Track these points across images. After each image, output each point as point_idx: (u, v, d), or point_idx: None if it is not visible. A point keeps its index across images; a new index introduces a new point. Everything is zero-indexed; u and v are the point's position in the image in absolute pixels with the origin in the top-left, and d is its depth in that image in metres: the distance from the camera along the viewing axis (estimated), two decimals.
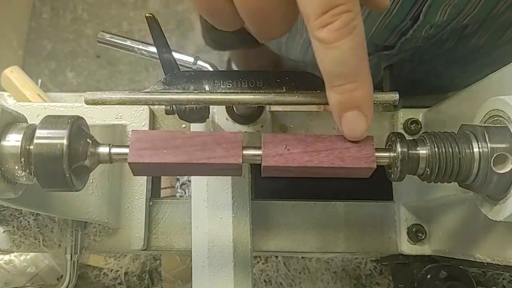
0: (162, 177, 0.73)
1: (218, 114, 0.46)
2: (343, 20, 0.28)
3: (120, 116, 0.53)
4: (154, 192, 0.56)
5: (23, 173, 0.33)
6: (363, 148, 0.34)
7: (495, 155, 0.31)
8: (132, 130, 0.34)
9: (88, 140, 0.34)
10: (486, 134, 0.32)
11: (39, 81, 0.80)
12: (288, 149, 0.34)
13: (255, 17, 0.31)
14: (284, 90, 0.36)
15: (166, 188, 0.80)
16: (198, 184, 0.49)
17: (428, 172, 0.34)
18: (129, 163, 0.33)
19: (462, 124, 0.35)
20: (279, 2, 0.30)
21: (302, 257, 0.77)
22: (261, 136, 0.34)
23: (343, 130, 0.33)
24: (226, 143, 0.34)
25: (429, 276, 0.52)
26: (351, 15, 0.29)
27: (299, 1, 0.29)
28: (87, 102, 0.35)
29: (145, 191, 0.52)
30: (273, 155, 0.34)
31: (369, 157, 0.34)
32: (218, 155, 0.33)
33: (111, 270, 0.77)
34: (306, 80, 0.36)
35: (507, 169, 0.31)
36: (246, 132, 0.46)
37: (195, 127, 0.50)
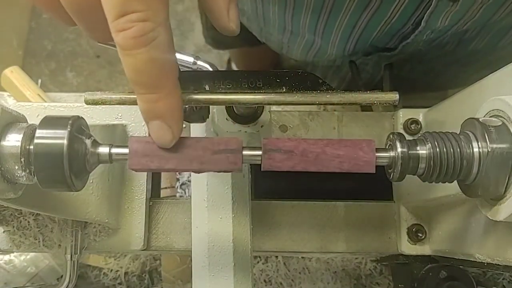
0: (162, 177, 0.73)
1: (218, 114, 0.46)
2: (138, 29, 0.27)
3: (120, 116, 0.53)
4: (154, 192, 0.56)
5: (23, 173, 0.33)
6: (363, 153, 0.34)
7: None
8: (130, 137, 0.34)
9: (88, 140, 0.34)
10: (486, 134, 0.32)
11: (39, 81, 0.80)
12: (287, 154, 0.34)
13: (76, 14, 0.30)
14: (284, 90, 0.36)
15: (166, 188, 0.80)
16: (198, 184, 0.49)
17: (428, 172, 0.34)
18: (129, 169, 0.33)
19: (468, 118, 0.35)
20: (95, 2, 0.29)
21: (302, 257, 0.77)
22: (261, 141, 0.34)
23: (151, 136, 0.33)
24: (226, 150, 0.34)
25: (429, 276, 0.52)
26: (149, 25, 0.27)
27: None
28: (87, 102, 0.35)
29: (145, 191, 0.52)
30: (272, 158, 0.33)
31: (368, 161, 0.34)
32: (218, 163, 0.33)
33: (111, 270, 0.77)
34: (306, 80, 0.36)
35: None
36: (246, 132, 0.46)
37: (195, 127, 0.50)
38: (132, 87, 0.31)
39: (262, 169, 0.34)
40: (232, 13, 0.33)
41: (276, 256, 0.77)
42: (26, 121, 0.35)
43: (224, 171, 0.34)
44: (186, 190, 0.81)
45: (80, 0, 0.29)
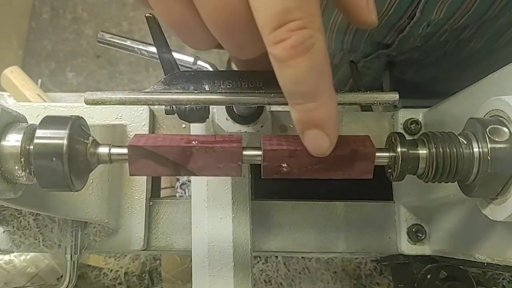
0: (162, 177, 0.73)
1: (218, 114, 0.46)
2: (298, 37, 0.26)
3: (120, 116, 0.53)
4: (154, 192, 0.56)
5: (23, 173, 0.33)
6: (362, 159, 0.34)
7: (490, 127, 0.31)
8: (135, 134, 0.34)
9: (88, 140, 0.34)
10: (486, 134, 0.32)
11: (39, 81, 0.80)
12: (287, 148, 0.34)
13: (226, 32, 0.29)
14: None
15: (166, 188, 0.80)
16: (198, 184, 0.49)
17: (428, 172, 0.34)
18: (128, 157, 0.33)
19: (470, 118, 0.35)
20: (249, 15, 0.27)
21: (302, 257, 0.77)
22: (261, 139, 0.34)
23: (306, 145, 0.32)
24: (225, 160, 0.34)
25: (429, 276, 0.52)
26: (308, 32, 0.26)
27: (254, 12, 0.26)
28: (87, 102, 0.35)
29: (145, 191, 0.52)
30: (272, 159, 0.34)
31: (367, 168, 0.34)
32: (217, 172, 0.33)
33: (111, 270, 0.77)
34: None
35: (504, 138, 0.31)
36: (246, 132, 0.46)
37: (195, 127, 0.50)
38: (287, 98, 0.30)
39: (262, 177, 0.34)
40: (371, 3, 0.32)
41: (276, 256, 0.77)
42: (26, 121, 0.35)
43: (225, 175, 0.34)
44: (186, 190, 0.82)
45: (229, 18, 0.28)
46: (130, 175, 0.34)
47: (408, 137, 0.37)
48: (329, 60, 0.29)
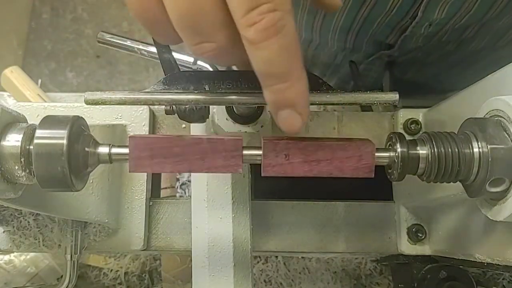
0: (162, 177, 0.73)
1: (218, 114, 0.46)
2: (269, 19, 0.27)
3: (120, 116, 0.53)
4: (154, 192, 0.56)
5: (23, 173, 0.33)
6: (363, 158, 0.34)
7: (491, 179, 0.32)
8: (129, 136, 0.34)
9: (88, 140, 0.34)
10: (486, 134, 0.32)
11: (39, 81, 0.80)
12: (288, 159, 0.34)
13: (184, 22, 0.29)
14: None
15: (166, 188, 0.80)
16: (198, 184, 0.49)
17: (428, 172, 0.34)
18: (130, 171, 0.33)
19: (467, 118, 0.35)
20: (212, 3, 0.28)
21: (302, 257, 0.77)
22: (261, 143, 0.34)
23: (280, 126, 0.33)
24: (226, 152, 0.33)
25: (429, 276, 0.52)
26: (278, 14, 0.28)
27: None
28: (87, 102, 0.35)
29: (145, 191, 0.52)
30: (273, 165, 0.34)
31: (368, 167, 0.34)
32: (218, 165, 0.33)
33: (111, 270, 0.78)
34: None
35: (500, 189, 0.32)
36: (246, 132, 0.46)
37: (195, 127, 0.50)
38: (261, 80, 0.31)
39: (263, 153, 0.34)
40: None
41: (276, 256, 0.77)
42: (26, 121, 0.35)
43: (225, 172, 0.34)
44: (186, 190, 0.82)
45: (191, 6, 0.28)
46: (128, 140, 0.33)
47: (408, 137, 0.37)
48: (299, 41, 0.30)
